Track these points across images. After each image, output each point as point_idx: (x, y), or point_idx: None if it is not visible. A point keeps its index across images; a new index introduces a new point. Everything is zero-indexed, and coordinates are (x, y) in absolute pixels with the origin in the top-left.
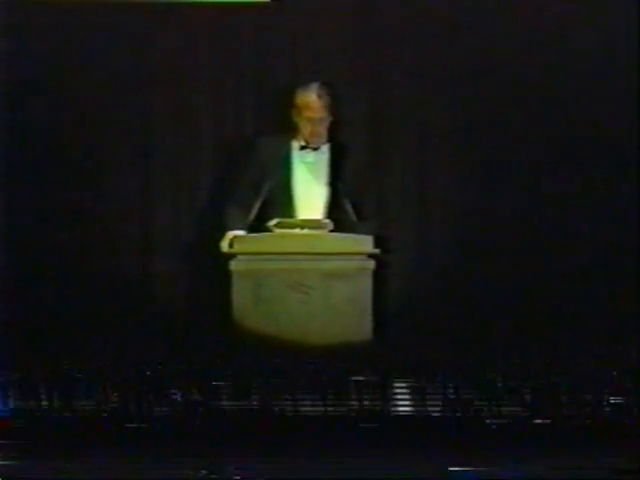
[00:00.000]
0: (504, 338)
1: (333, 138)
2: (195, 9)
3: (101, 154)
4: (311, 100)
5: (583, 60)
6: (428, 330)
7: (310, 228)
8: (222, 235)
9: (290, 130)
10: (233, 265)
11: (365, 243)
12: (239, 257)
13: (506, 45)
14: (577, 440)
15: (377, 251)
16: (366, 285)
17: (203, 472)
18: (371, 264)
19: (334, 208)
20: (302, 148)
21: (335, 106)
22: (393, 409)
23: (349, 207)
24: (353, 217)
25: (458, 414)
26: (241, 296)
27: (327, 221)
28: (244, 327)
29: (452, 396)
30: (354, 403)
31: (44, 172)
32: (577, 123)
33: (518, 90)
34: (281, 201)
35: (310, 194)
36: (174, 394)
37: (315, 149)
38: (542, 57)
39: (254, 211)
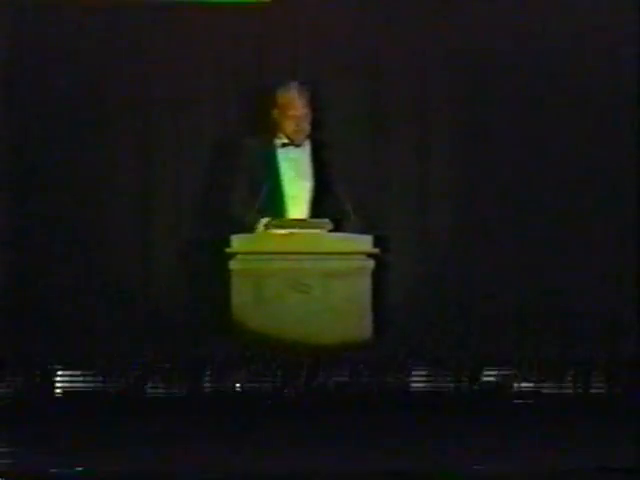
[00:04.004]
0: (505, 335)
1: (314, 134)
2: (186, 9)
3: (99, 154)
4: (293, 98)
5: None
6: (428, 329)
7: (309, 228)
8: (222, 235)
9: (271, 129)
10: (233, 264)
11: (364, 243)
12: (239, 256)
13: (505, 43)
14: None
15: (376, 250)
16: (365, 284)
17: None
18: (370, 264)
19: (320, 204)
20: (284, 145)
21: (314, 103)
22: None
23: (342, 204)
24: (350, 215)
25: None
26: (241, 295)
27: (326, 221)
28: (244, 326)
29: None
30: None
31: (43, 170)
32: (577, 121)
33: (519, 86)
34: (268, 198)
35: (296, 190)
36: None
37: (297, 146)
38: (540, 58)
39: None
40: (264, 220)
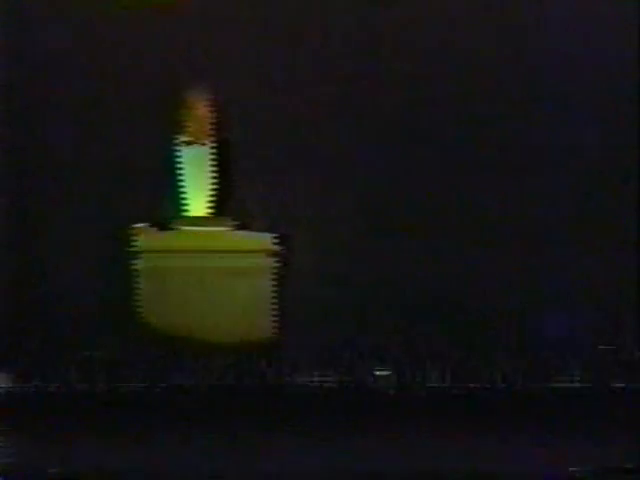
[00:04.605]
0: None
1: (217, 134)
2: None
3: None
4: (197, 98)
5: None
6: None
7: (211, 225)
8: (126, 233)
9: (175, 127)
10: (137, 263)
11: (265, 241)
12: (143, 255)
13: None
14: None
15: (277, 248)
16: (267, 283)
17: None
18: (272, 262)
19: (223, 201)
20: (187, 144)
21: (218, 104)
22: None
23: (244, 202)
24: (252, 213)
25: None
26: (145, 294)
27: (228, 218)
28: (150, 325)
29: None
30: None
31: None
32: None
33: (431, 84)
34: (172, 196)
35: (199, 188)
36: None
37: (201, 145)
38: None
39: (157, 207)
40: (141, 224)
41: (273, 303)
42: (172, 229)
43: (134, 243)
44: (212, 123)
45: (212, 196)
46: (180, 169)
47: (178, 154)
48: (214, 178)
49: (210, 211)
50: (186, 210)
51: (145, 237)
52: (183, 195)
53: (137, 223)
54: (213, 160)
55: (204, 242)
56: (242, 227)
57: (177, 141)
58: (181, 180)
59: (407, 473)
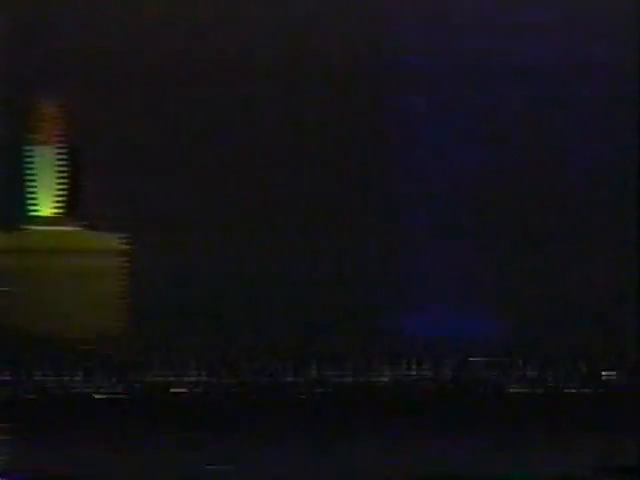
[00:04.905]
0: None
1: (67, 136)
2: None
3: None
4: (47, 103)
5: None
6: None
7: (59, 225)
8: None
9: (29, 128)
10: None
11: (113, 240)
12: None
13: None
14: None
15: (122, 247)
16: (115, 280)
17: None
18: (118, 261)
19: (70, 203)
20: (38, 144)
21: (68, 108)
22: None
23: (93, 203)
24: (98, 213)
25: None
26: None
27: (76, 218)
28: (5, 323)
29: None
30: None
31: None
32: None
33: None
34: (20, 195)
35: (50, 188)
36: None
37: (53, 147)
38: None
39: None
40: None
41: (120, 302)
42: (19, 229)
43: None
44: (62, 125)
45: (61, 196)
46: (29, 169)
47: (27, 154)
48: (63, 178)
49: (58, 211)
50: (34, 210)
51: None
52: (31, 195)
53: None
54: (62, 161)
55: (51, 242)
56: (90, 227)
57: (26, 142)
58: (29, 180)
59: None
